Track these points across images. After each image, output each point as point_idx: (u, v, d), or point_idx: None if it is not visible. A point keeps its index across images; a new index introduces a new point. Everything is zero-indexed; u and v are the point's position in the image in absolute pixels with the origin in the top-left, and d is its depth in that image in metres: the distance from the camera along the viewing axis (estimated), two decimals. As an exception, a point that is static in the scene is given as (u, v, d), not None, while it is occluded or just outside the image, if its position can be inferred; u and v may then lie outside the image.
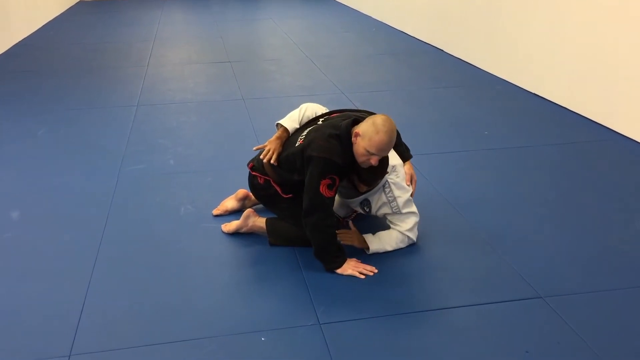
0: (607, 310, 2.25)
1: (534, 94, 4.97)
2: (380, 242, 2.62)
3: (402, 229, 2.62)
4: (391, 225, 2.66)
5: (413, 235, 2.64)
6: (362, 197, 2.66)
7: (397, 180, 2.60)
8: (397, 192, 2.59)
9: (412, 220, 2.63)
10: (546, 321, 2.19)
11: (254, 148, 2.71)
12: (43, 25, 8.30)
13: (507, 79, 5.38)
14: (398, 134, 2.70)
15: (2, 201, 3.13)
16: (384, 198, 2.61)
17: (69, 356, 2.03)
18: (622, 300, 2.31)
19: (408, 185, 2.63)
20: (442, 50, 6.58)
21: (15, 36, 7.19)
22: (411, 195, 2.65)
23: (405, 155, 2.70)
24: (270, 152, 2.56)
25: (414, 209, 2.64)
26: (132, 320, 2.21)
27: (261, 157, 2.59)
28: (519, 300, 2.31)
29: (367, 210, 2.69)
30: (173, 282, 2.44)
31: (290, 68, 5.97)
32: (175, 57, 6.48)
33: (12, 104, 4.76)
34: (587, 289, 2.38)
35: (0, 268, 2.54)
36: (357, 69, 5.87)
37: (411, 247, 2.68)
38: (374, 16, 8.80)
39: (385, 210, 2.63)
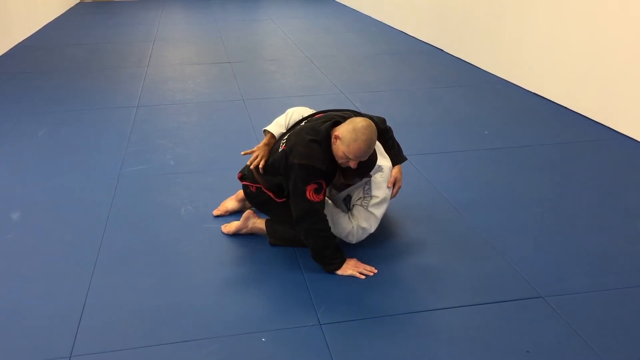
0: (608, 309, 2.25)
1: (534, 93, 4.98)
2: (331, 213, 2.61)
3: (355, 222, 2.59)
4: (350, 213, 2.64)
5: (357, 235, 2.61)
6: (345, 193, 2.67)
7: (380, 180, 2.60)
8: (374, 192, 2.60)
9: (368, 222, 2.60)
10: (547, 321, 2.19)
11: (242, 153, 2.71)
12: (43, 26, 8.31)
13: (507, 79, 5.38)
14: (392, 135, 2.69)
15: (3, 202, 3.14)
16: (361, 194, 2.62)
17: (70, 357, 2.03)
18: (623, 299, 2.31)
19: (389, 188, 2.63)
20: (442, 50, 6.58)
21: (16, 37, 7.19)
22: (391, 197, 2.66)
23: (395, 160, 2.69)
24: (258, 159, 2.56)
25: (378, 214, 2.61)
26: (133, 320, 2.21)
27: (248, 162, 2.60)
28: (520, 300, 2.31)
29: (348, 206, 2.70)
30: (173, 283, 2.44)
31: (290, 68, 5.97)
32: (175, 57, 6.48)
33: (13, 105, 4.76)
34: (588, 288, 2.38)
35: (1, 269, 2.54)
36: (357, 69, 5.87)
37: (411, 248, 2.68)
38: (374, 16, 8.81)
39: (357, 203, 2.63)
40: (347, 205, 2.71)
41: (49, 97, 4.97)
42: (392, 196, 2.69)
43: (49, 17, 8.83)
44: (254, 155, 2.59)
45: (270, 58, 6.48)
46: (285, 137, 2.54)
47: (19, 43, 7.19)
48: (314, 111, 2.77)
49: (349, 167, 2.43)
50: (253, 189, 2.65)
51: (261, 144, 2.63)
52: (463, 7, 6.09)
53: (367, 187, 2.61)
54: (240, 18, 9.27)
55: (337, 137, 2.36)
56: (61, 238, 2.78)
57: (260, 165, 2.55)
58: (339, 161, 2.40)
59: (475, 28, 5.89)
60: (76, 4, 10.73)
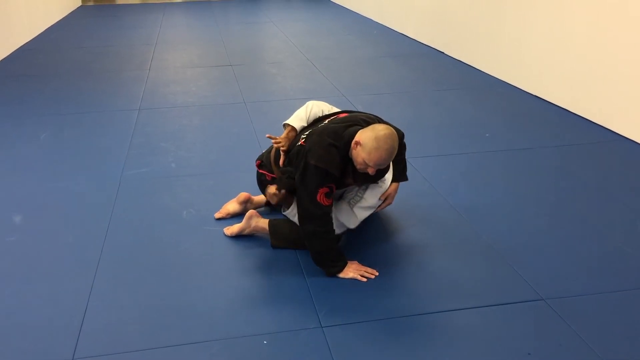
0: (610, 312, 2.25)
1: (535, 95, 4.98)
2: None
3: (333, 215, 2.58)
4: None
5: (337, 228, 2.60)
6: (340, 192, 2.68)
7: (377, 188, 2.61)
8: (367, 195, 2.61)
9: (347, 219, 2.60)
10: (548, 323, 2.19)
11: (267, 135, 2.71)
12: (45, 30, 8.32)
13: (508, 81, 5.38)
14: (403, 152, 2.65)
15: (5, 205, 3.14)
16: (353, 193, 2.63)
17: (72, 359, 2.03)
18: (625, 302, 2.31)
19: (380, 200, 2.65)
20: (443, 52, 6.59)
21: (18, 40, 7.21)
22: (375, 210, 2.68)
23: (397, 177, 2.69)
24: (282, 143, 2.56)
25: (360, 216, 2.62)
26: (135, 323, 2.22)
27: (273, 143, 2.59)
28: (521, 302, 2.31)
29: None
30: (175, 285, 2.44)
31: (291, 71, 5.98)
32: (176, 60, 6.50)
33: (15, 108, 4.78)
34: (590, 291, 2.38)
35: (3, 271, 2.55)
36: (358, 72, 5.88)
37: (413, 250, 2.68)
38: (374, 19, 8.82)
39: (345, 199, 2.63)
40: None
41: (51, 100, 4.99)
42: (378, 209, 2.70)
43: (51, 20, 8.85)
44: (279, 139, 2.59)
45: (271, 60, 6.49)
46: (306, 132, 2.52)
47: (21, 46, 7.21)
48: (333, 107, 2.76)
49: (362, 175, 2.43)
50: (268, 178, 2.66)
51: (282, 135, 2.62)
52: (464, 9, 6.10)
53: (364, 186, 2.61)
54: (241, 21, 9.29)
55: (357, 143, 2.35)
56: (63, 240, 2.79)
57: (283, 148, 2.54)
58: (358, 167, 2.39)
59: (476, 30, 5.89)
60: (78, 7, 10.75)
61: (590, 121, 4.34)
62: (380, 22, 8.55)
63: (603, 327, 2.17)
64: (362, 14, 9.40)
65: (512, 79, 5.33)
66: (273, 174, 2.64)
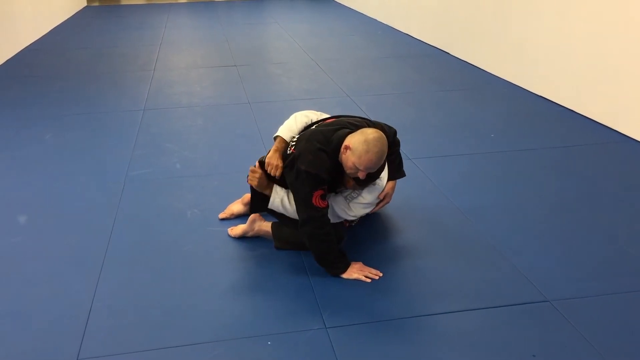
0: (615, 313, 2.24)
1: (540, 96, 4.96)
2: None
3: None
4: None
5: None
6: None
7: (374, 187, 2.60)
8: (364, 193, 2.60)
9: (345, 212, 2.59)
10: (553, 325, 2.18)
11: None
12: (50, 31, 8.35)
13: (512, 81, 5.37)
14: (397, 150, 2.67)
15: (10, 206, 3.16)
16: (350, 190, 2.62)
17: (77, 360, 2.04)
18: (629, 303, 2.30)
19: (378, 198, 2.64)
20: (448, 52, 6.58)
21: (22, 41, 7.24)
22: (372, 210, 2.67)
23: (393, 175, 2.68)
24: (275, 169, 2.51)
25: (356, 212, 2.61)
26: (139, 324, 2.22)
27: (269, 171, 2.55)
28: (526, 304, 2.30)
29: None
30: (179, 286, 2.45)
31: (295, 71, 5.98)
32: (181, 61, 6.51)
33: (20, 109, 4.79)
34: (594, 292, 2.37)
35: (8, 272, 2.56)
36: (362, 72, 5.88)
37: (417, 251, 2.68)
38: (379, 19, 8.82)
39: (340, 193, 2.62)
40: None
41: (55, 101, 5.00)
42: (375, 209, 2.69)
43: (56, 20, 8.88)
44: (271, 166, 2.52)
45: (276, 61, 6.50)
46: (295, 139, 2.52)
47: (26, 47, 7.23)
48: (321, 114, 2.76)
49: (358, 178, 2.42)
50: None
51: (271, 152, 2.57)
52: (468, 9, 6.09)
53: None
54: (245, 21, 9.30)
55: (347, 148, 2.34)
56: (68, 241, 2.80)
57: (278, 174, 2.51)
58: (348, 171, 2.39)
59: (480, 30, 5.88)
60: (83, 8, 10.79)
61: (595, 121, 4.32)
62: (385, 23, 8.54)
63: (608, 328, 2.16)
64: (366, 14, 9.40)
65: (517, 79, 5.32)
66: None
